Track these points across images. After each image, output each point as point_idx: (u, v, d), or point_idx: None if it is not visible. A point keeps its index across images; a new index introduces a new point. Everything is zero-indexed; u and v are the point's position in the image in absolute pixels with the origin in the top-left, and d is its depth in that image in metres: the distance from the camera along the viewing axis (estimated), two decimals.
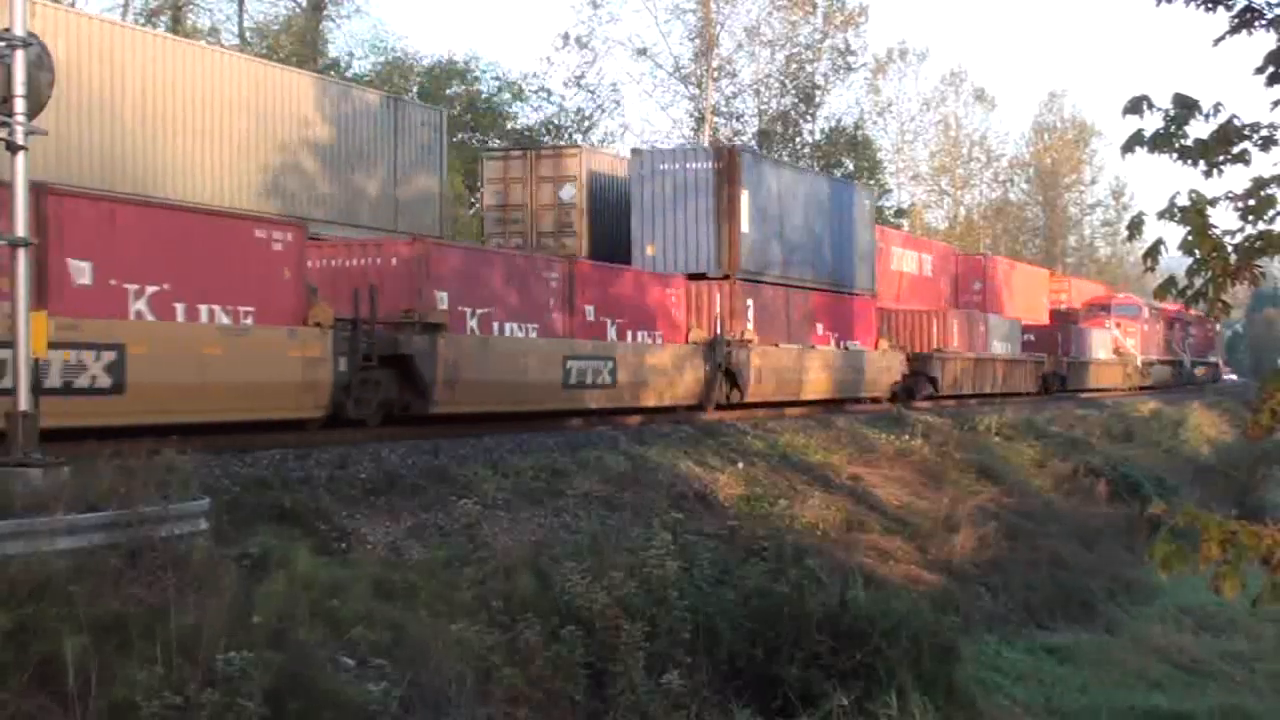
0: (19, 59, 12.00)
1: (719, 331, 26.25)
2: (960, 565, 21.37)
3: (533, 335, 21.85)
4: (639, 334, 24.53)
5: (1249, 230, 7.07)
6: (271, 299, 16.82)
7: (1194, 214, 6.98)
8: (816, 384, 30.14)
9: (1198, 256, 7.11)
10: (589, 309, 23.27)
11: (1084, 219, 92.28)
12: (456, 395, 19.80)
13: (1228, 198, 7.09)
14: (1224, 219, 7.08)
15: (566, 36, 51.94)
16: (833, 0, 55.58)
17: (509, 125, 48.64)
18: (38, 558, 9.71)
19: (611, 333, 23.81)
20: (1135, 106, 7.16)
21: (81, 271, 14.71)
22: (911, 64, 73.20)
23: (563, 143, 42.70)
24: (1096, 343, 50.45)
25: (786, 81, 55.37)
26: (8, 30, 12.04)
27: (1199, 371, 63.88)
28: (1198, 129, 7.20)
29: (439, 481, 15.65)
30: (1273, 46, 7.47)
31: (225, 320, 16.26)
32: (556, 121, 50.84)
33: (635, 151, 30.99)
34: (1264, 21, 7.61)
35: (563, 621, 12.32)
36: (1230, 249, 7.08)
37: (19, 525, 10.13)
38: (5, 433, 12.04)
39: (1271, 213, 7.02)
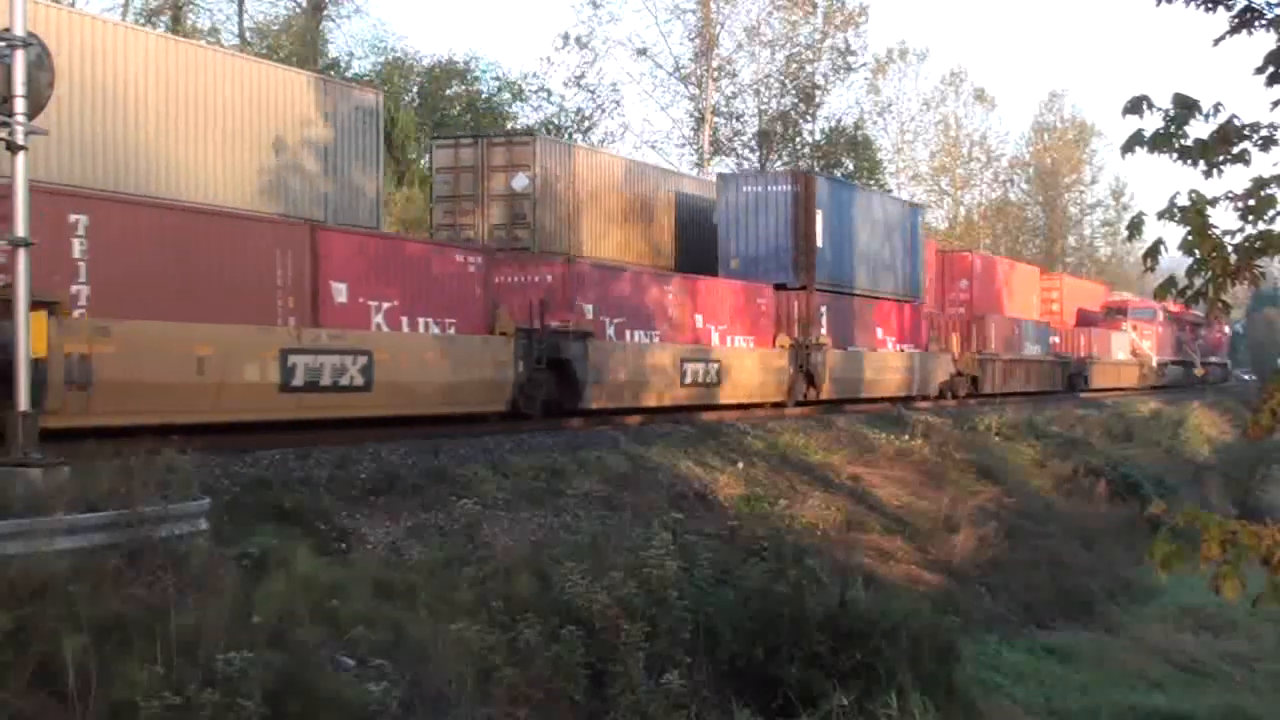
0: (19, 59, 12.00)
1: (800, 336, 29.47)
2: (960, 565, 21.38)
3: (655, 340, 25.05)
4: (736, 339, 27.68)
5: (1249, 230, 7.06)
6: (468, 312, 20.21)
7: (1194, 214, 6.97)
8: (879, 383, 33.20)
9: (1198, 256, 7.10)
10: (698, 317, 26.56)
11: (1084, 219, 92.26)
12: (603, 393, 23.09)
13: (1228, 198, 7.08)
14: (1224, 219, 7.08)
15: (566, 36, 51.95)
16: (833, 0, 55.58)
17: (509, 125, 48.59)
18: (38, 558, 9.71)
19: (714, 337, 27.00)
20: (1135, 106, 7.16)
21: (340, 291, 17.88)
22: (911, 64, 73.21)
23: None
24: (1116, 344, 53.60)
25: (786, 81, 55.33)
26: (7, 30, 12.04)
27: (1197, 371, 65.07)
28: (1198, 129, 7.20)
29: (439, 481, 15.65)
30: (1273, 46, 7.47)
31: (436, 330, 19.53)
32: (556, 121, 50.84)
33: (722, 175, 34.58)
34: (1264, 21, 7.61)
35: (563, 621, 12.32)
36: (1230, 249, 7.07)
37: (19, 525, 10.14)
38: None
39: (1271, 213, 7.02)
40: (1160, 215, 7.14)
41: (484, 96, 48.08)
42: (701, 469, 20.26)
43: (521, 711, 11.38)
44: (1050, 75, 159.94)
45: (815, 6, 55.03)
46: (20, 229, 12.09)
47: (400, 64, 47.29)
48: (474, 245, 24.55)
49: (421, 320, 19.32)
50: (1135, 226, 7.58)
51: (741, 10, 53.41)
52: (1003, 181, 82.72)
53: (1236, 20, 7.66)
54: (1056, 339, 47.74)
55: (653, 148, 55.18)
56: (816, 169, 57.40)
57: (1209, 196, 7.04)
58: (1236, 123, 7.19)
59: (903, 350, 35.00)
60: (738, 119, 55.60)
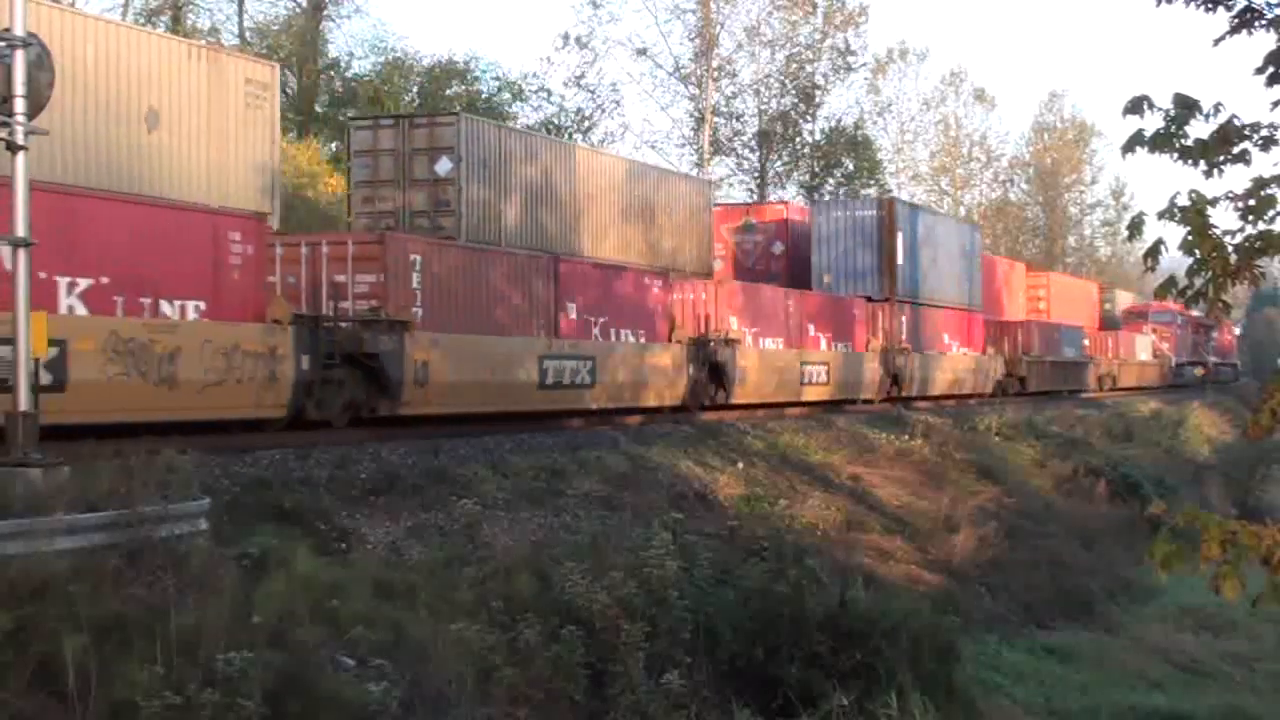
0: (19, 59, 11.99)
1: (886, 341, 33.78)
2: (960, 565, 21.39)
3: (780, 346, 29.50)
4: (838, 344, 31.80)
5: (1249, 230, 7.06)
6: (653, 325, 24.90)
7: (1194, 214, 6.97)
8: (949, 382, 37.77)
9: (1198, 256, 7.10)
10: (810, 326, 30.71)
11: (1084, 219, 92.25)
12: (745, 391, 27.27)
13: (1228, 198, 7.08)
14: (1224, 219, 7.07)
15: (566, 36, 51.91)
16: (833, 0, 55.57)
17: (510, 125, 48.56)
18: (38, 558, 9.71)
19: (822, 343, 31.14)
20: (1135, 106, 7.15)
21: (571, 310, 22.71)
22: (911, 64, 73.16)
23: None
24: (1139, 346, 58.45)
25: (786, 81, 55.31)
26: (7, 30, 12.04)
27: (1197, 372, 66.48)
28: (1198, 129, 7.19)
29: (439, 481, 15.65)
30: (1273, 46, 7.47)
31: (633, 340, 24.17)
32: (556, 121, 50.83)
33: (815, 202, 42.78)
34: (1264, 21, 7.61)
35: (563, 621, 12.32)
36: (1230, 249, 7.07)
37: (19, 525, 10.13)
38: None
39: (1271, 213, 7.01)
40: (1160, 215, 7.14)
41: (484, 96, 48.04)
42: (701, 469, 20.26)
43: (521, 711, 11.38)
44: (1050, 75, 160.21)
45: (815, 6, 55.02)
46: (20, 229, 12.08)
47: (400, 64, 47.26)
48: (658, 270, 27.14)
49: (624, 332, 24.11)
50: (1135, 226, 7.57)
51: (741, 10, 53.47)
52: (1003, 181, 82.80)
53: (1236, 20, 7.66)
54: (1087, 342, 52.21)
55: (653, 148, 55.16)
56: (816, 169, 57.51)
57: (1209, 196, 7.04)
58: (1236, 123, 7.18)
59: (965, 353, 39.65)
60: (738, 119, 55.64)
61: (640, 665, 12.46)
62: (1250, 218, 7.04)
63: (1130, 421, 44.15)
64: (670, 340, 25.25)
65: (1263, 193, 7.02)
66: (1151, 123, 7.18)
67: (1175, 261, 7.42)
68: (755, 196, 53.59)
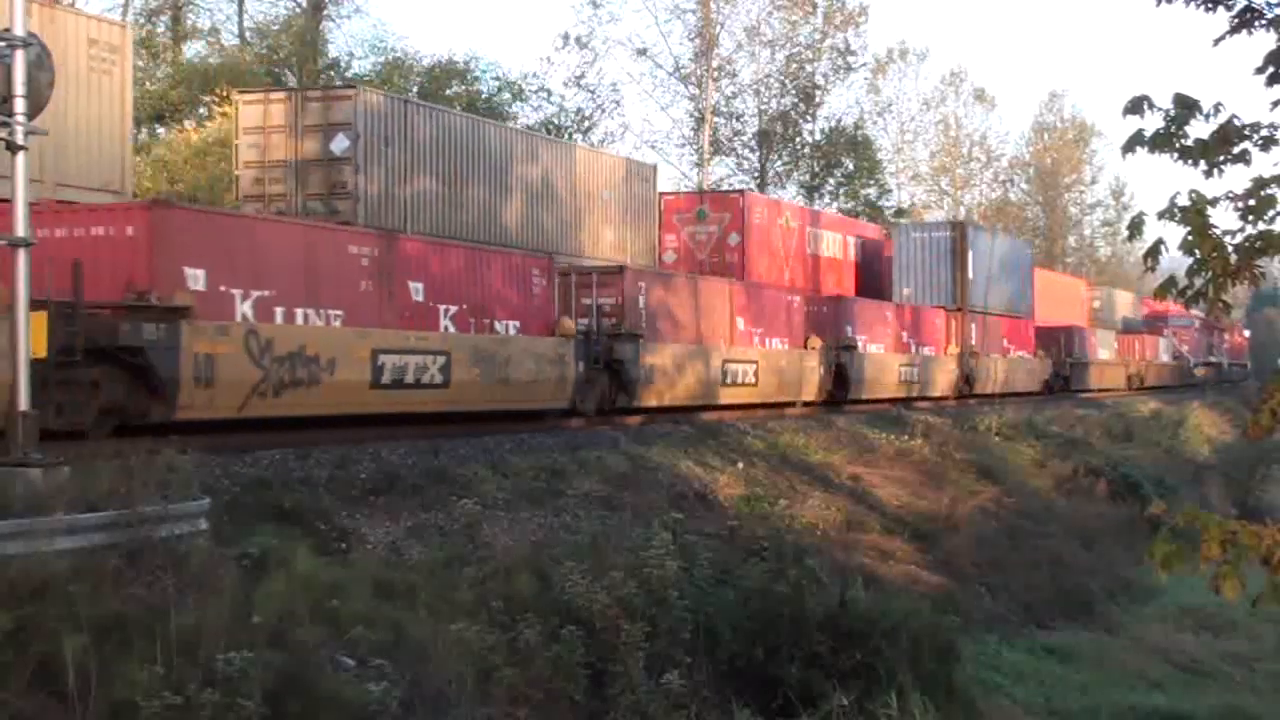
0: (19, 59, 12.00)
1: (961, 347, 39.02)
2: (960, 565, 21.38)
3: (883, 350, 34.22)
4: (925, 348, 37.18)
5: (1249, 230, 7.06)
6: (790, 330, 29.44)
7: (1194, 214, 6.96)
8: (1011, 381, 43.02)
9: (1198, 256, 7.10)
10: (904, 334, 35.88)
11: (1084, 219, 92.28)
12: (862, 390, 32.30)
13: (1228, 198, 7.08)
14: (1224, 219, 7.07)
15: (566, 36, 51.88)
16: (833, 0, 55.58)
17: (510, 125, 48.52)
18: (38, 558, 9.71)
19: (914, 347, 36.33)
20: (1135, 106, 7.15)
21: (741, 322, 27.78)
22: (911, 64, 73.18)
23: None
24: (1162, 349, 64.49)
25: (786, 81, 55.31)
26: (7, 30, 12.04)
27: (1198, 372, 68.36)
28: (1198, 129, 7.19)
29: (439, 481, 15.64)
30: (1273, 46, 7.47)
31: (780, 346, 29.09)
32: (557, 121, 50.81)
33: (894, 225, 47.05)
34: (1264, 21, 7.61)
35: (563, 621, 12.32)
36: (1230, 249, 7.07)
37: (19, 525, 10.13)
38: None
39: (1271, 213, 7.01)
40: (1160, 215, 7.13)
41: (484, 96, 48.02)
42: (701, 469, 20.26)
43: (521, 711, 11.38)
44: (1050, 75, 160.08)
45: (815, 6, 55.03)
46: (20, 229, 12.09)
47: (400, 64, 47.22)
48: (792, 289, 31.50)
49: (774, 340, 29.11)
50: (1135, 226, 7.57)
51: (741, 10, 53.47)
52: (1003, 181, 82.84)
53: (1236, 20, 7.66)
54: (1117, 345, 57.88)
55: (653, 148, 55.16)
56: (816, 169, 57.53)
57: (1209, 196, 7.04)
58: (1236, 123, 7.18)
59: (1022, 356, 45.09)
60: (738, 119, 55.65)
61: (640, 665, 12.46)
62: (1250, 218, 7.04)
63: (1130, 421, 44.18)
64: (805, 346, 27.16)
65: (1263, 193, 7.01)
66: (1151, 123, 7.19)
67: (1175, 261, 7.42)
68: None
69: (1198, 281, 7.23)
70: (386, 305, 18.69)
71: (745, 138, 55.91)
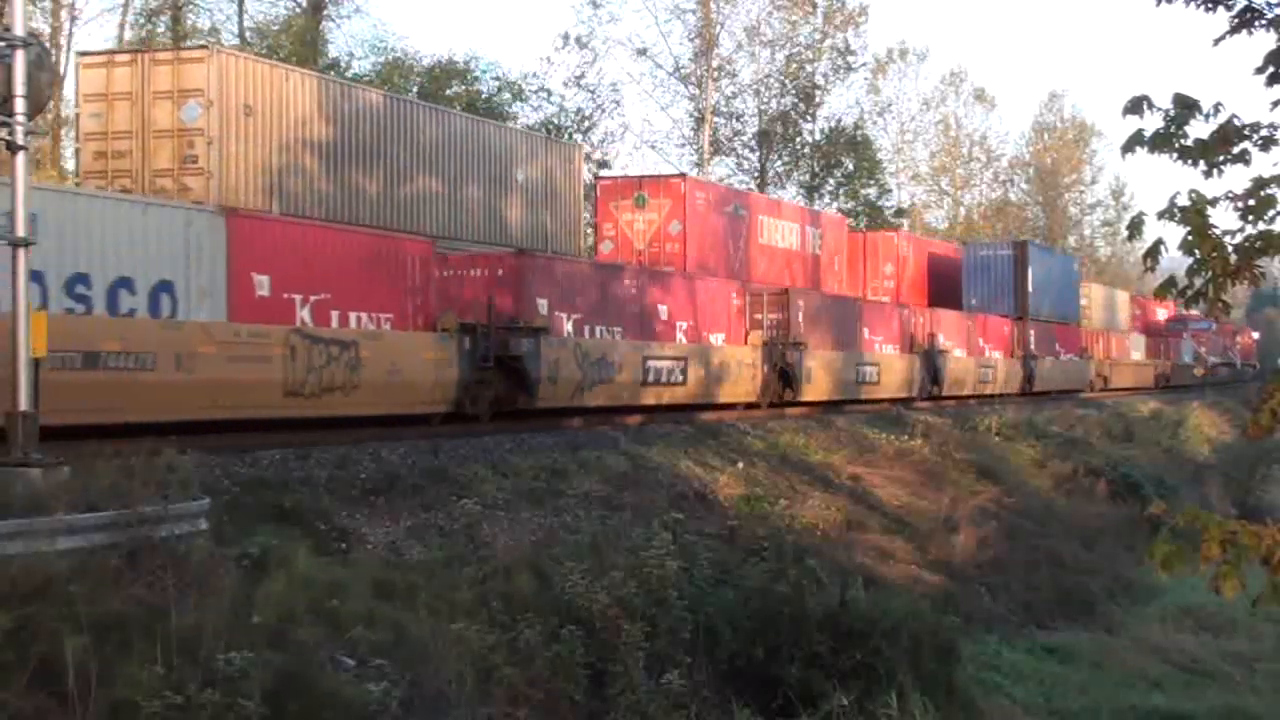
0: (19, 59, 12.00)
1: (1023, 351, 44.53)
2: (960, 565, 21.38)
3: (963, 355, 39.84)
4: (994, 353, 42.49)
5: (1249, 230, 7.05)
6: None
7: (1194, 214, 6.96)
8: (1064, 381, 49.13)
9: (1198, 256, 7.09)
10: (979, 339, 41.32)
11: (1084, 219, 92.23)
12: (951, 388, 38.23)
13: (1228, 198, 7.08)
14: (1224, 219, 7.07)
15: (566, 36, 51.82)
16: (833, 0, 55.56)
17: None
18: (38, 558, 9.71)
19: (986, 351, 41.95)
20: (1135, 106, 7.15)
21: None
22: (911, 64, 73.03)
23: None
24: (1184, 350, 70.19)
25: (786, 81, 55.25)
26: (8, 30, 12.04)
27: (1197, 371, 69.00)
28: (1198, 129, 7.19)
29: (439, 481, 15.64)
30: (1273, 46, 7.46)
31: (892, 350, 34.40)
32: (557, 121, 50.79)
33: (965, 243, 53.09)
34: (1264, 21, 7.61)
35: (563, 621, 12.32)
36: (1230, 249, 7.06)
37: (19, 525, 10.14)
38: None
39: (1271, 213, 7.01)
40: (1160, 215, 7.13)
41: (484, 96, 48.03)
42: (701, 469, 20.25)
43: (521, 711, 11.38)
44: (1050, 75, 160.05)
45: (815, 6, 54.98)
46: (20, 229, 12.09)
47: (400, 64, 47.25)
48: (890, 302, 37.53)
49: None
50: (1135, 226, 7.57)
51: (741, 10, 53.41)
52: (1003, 181, 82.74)
53: (1236, 20, 7.65)
54: (1146, 347, 63.84)
55: (653, 148, 55.15)
56: (816, 169, 57.53)
57: (1209, 196, 7.04)
58: (1236, 123, 7.18)
59: (1072, 359, 50.59)
60: (738, 119, 55.59)
61: (640, 665, 12.45)
62: (1250, 218, 7.03)
63: (1130, 421, 44.18)
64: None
65: (1263, 193, 7.01)
66: (1151, 123, 7.18)
67: (1175, 261, 7.42)
68: None
69: (1198, 281, 7.23)
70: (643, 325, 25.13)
71: (745, 138, 55.91)
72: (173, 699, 8.80)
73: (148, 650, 9.28)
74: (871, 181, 60.36)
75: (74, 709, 8.74)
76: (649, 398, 24.68)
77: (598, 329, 23.80)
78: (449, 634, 11.38)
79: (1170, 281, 7.43)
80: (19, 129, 12.04)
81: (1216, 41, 7.76)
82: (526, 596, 12.77)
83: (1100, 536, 27.07)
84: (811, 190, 56.93)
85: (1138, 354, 60.78)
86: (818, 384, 30.21)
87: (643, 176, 33.90)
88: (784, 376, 28.94)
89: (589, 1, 51.30)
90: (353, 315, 18.67)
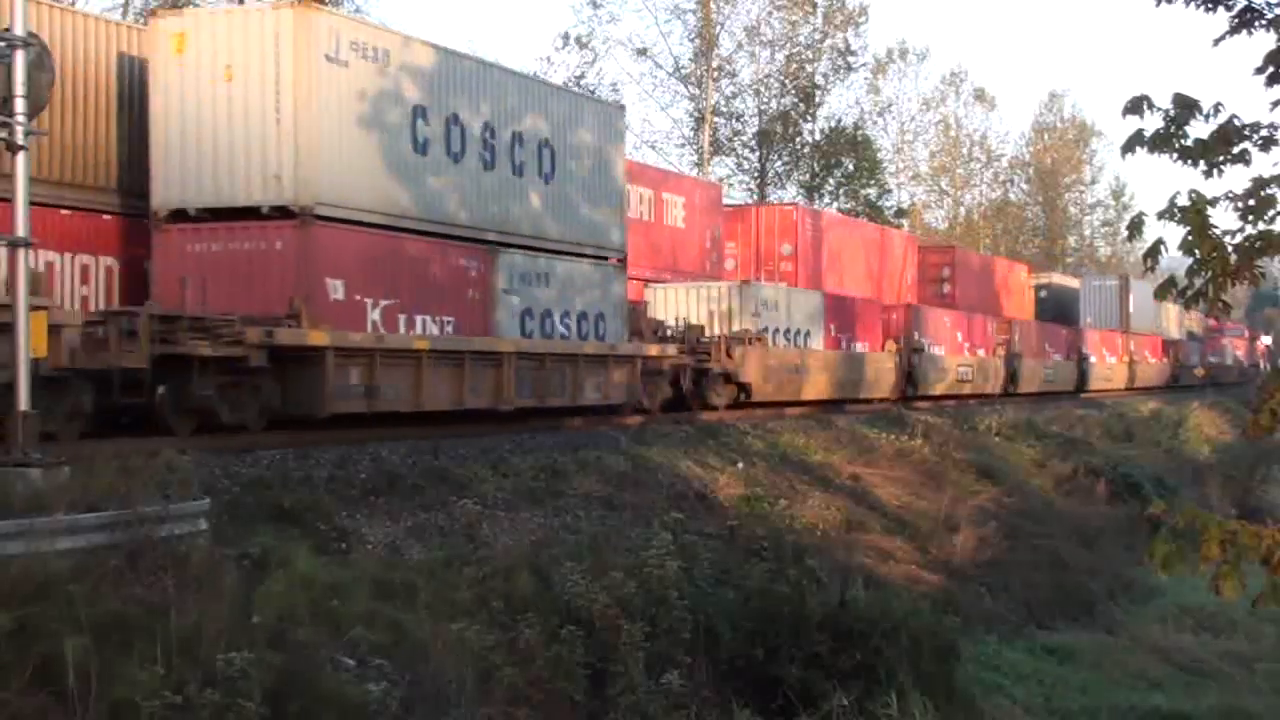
0: (19, 59, 12.00)
1: (1129, 357, 56.65)
2: (960, 565, 21.38)
3: (1096, 360, 52.42)
4: (1111, 358, 54.36)
5: (1249, 230, 7.07)
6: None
7: (1194, 214, 6.97)
8: (1150, 378, 60.46)
9: (1198, 256, 7.10)
10: (1102, 349, 53.68)
11: (1084, 219, 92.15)
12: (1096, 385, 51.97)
13: (1228, 198, 7.09)
14: (1224, 219, 7.08)
15: (566, 36, 51.80)
16: (833, 0, 55.54)
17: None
18: (38, 558, 9.70)
19: (1108, 358, 54.38)
20: (1135, 106, 7.16)
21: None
22: (911, 64, 72.85)
23: None
24: (1226, 354, 78.76)
25: (786, 81, 55.22)
26: (8, 30, 12.04)
27: (1197, 372, 68.79)
28: (1198, 129, 7.20)
29: (439, 481, 15.63)
30: (1273, 46, 7.48)
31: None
32: None
33: (1084, 274, 68.68)
34: (1264, 21, 7.62)
35: (563, 621, 12.31)
36: (1230, 249, 7.07)
37: (19, 525, 10.13)
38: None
39: (1271, 213, 7.02)
40: (1160, 215, 7.15)
41: None
42: (701, 469, 20.24)
43: (521, 711, 11.37)
44: (1050, 75, 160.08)
45: (815, 6, 54.96)
46: (20, 229, 12.09)
47: None
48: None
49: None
50: (1135, 226, 7.59)
51: (741, 10, 53.38)
52: (1003, 181, 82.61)
53: (1236, 20, 7.67)
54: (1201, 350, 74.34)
55: (653, 148, 55.09)
56: (816, 169, 57.53)
57: (1209, 196, 7.05)
58: (1236, 123, 7.19)
59: (1155, 361, 62.06)
60: (738, 119, 55.54)
61: (640, 665, 12.45)
62: (1250, 218, 7.05)
63: (1130, 421, 44.18)
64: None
65: (1263, 193, 7.03)
66: (1151, 123, 7.20)
67: (1175, 261, 7.43)
68: (755, 196, 53.62)
69: (1198, 281, 7.24)
70: None
71: (745, 138, 55.87)
72: (173, 699, 8.80)
73: (148, 650, 9.28)
74: (871, 181, 60.31)
75: (74, 709, 8.73)
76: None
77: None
78: (449, 634, 11.38)
79: (1170, 281, 7.44)
80: (19, 129, 12.04)
81: (1216, 41, 7.78)
82: (526, 596, 12.77)
83: (1100, 536, 27.06)
84: (811, 190, 56.90)
85: (1195, 358, 71.89)
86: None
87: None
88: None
89: (589, 1, 51.31)
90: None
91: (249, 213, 17.34)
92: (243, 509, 12.89)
